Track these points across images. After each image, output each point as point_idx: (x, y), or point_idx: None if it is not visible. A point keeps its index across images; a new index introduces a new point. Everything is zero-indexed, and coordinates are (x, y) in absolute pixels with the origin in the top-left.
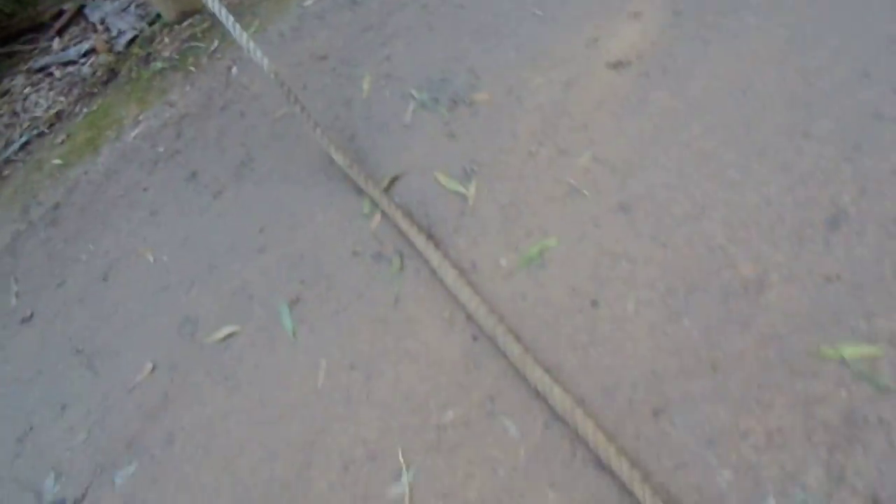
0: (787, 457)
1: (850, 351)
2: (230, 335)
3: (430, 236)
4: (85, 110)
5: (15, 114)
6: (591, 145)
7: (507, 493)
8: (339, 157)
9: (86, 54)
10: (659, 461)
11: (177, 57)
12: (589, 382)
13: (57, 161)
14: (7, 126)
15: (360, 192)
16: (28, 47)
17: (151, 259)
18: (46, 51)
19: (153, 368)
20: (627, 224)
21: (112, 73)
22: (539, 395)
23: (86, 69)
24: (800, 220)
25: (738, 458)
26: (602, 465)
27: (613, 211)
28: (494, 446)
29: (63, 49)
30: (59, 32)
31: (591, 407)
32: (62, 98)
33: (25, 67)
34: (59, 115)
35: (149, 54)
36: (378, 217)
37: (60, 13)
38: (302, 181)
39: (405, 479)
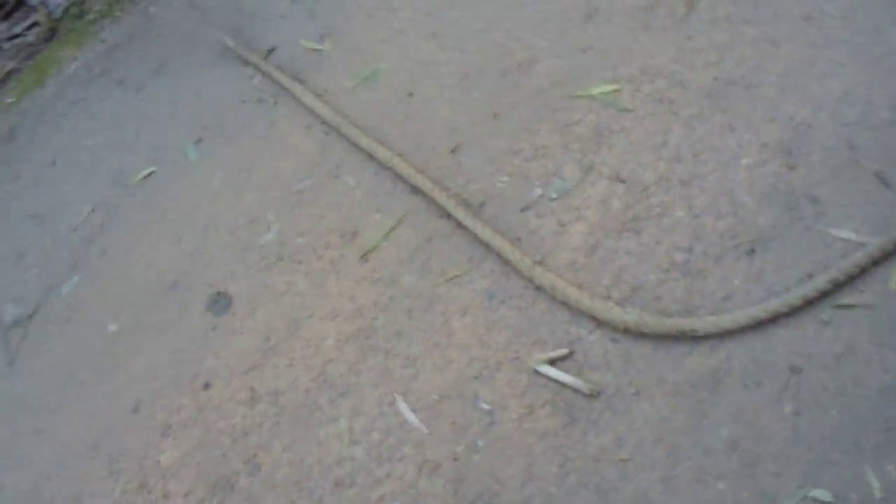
0: (549, 161)
1: (598, 90)
2: (150, 174)
3: (295, 78)
4: (31, 65)
5: None
6: (413, 2)
7: (348, 221)
8: (230, 42)
9: (29, 27)
10: (454, 179)
11: (105, 8)
12: (404, 142)
13: (10, 100)
14: None
15: (246, 64)
16: None
17: (90, 143)
18: None
19: (92, 210)
20: (436, 44)
21: (52, 33)
22: (370, 157)
23: (30, 37)
24: (563, 19)
25: (511, 168)
26: (414, 191)
27: (426, 38)
28: (338, 195)
29: (8, 29)
30: (4, 18)
31: (406, 156)
32: (11, 61)
33: None
34: (9, 73)
35: (82, 11)
36: (259, 76)
37: (2, 4)
38: (204, 67)
39: (273, 228)
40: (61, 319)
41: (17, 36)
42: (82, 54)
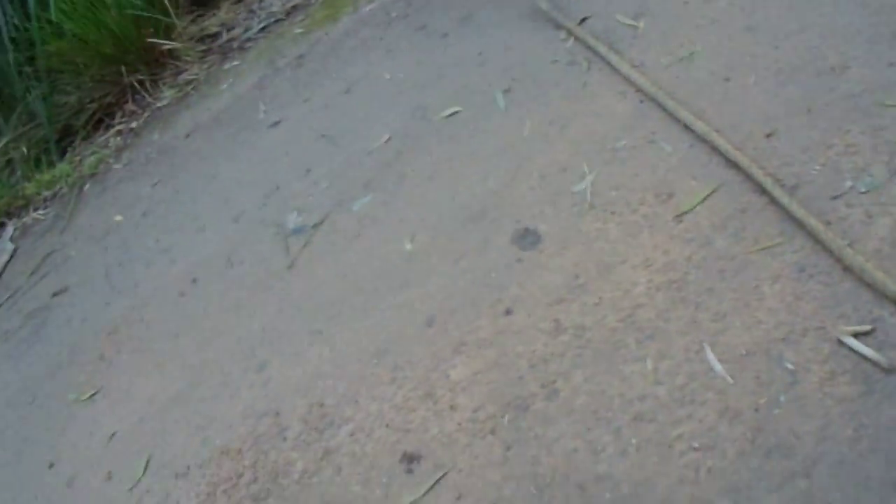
0: (859, 158)
1: None
2: (454, 113)
3: (611, 48)
4: (320, 1)
5: (251, 11)
6: None
7: (663, 182)
8: (543, 4)
9: None
10: (769, 161)
11: None
12: (721, 121)
13: (298, 30)
14: (245, 19)
15: (557, 28)
16: None
17: (388, 76)
18: None
19: (389, 138)
20: (751, 38)
21: None
22: (686, 129)
23: None
24: (873, 33)
25: (824, 159)
26: (729, 165)
27: (741, 31)
28: (654, 158)
29: None
30: None
31: (722, 134)
32: None
33: None
34: (294, 7)
35: None
36: (572, 40)
37: None
38: (513, 24)
39: (587, 178)
40: (350, 233)
41: None
42: None
